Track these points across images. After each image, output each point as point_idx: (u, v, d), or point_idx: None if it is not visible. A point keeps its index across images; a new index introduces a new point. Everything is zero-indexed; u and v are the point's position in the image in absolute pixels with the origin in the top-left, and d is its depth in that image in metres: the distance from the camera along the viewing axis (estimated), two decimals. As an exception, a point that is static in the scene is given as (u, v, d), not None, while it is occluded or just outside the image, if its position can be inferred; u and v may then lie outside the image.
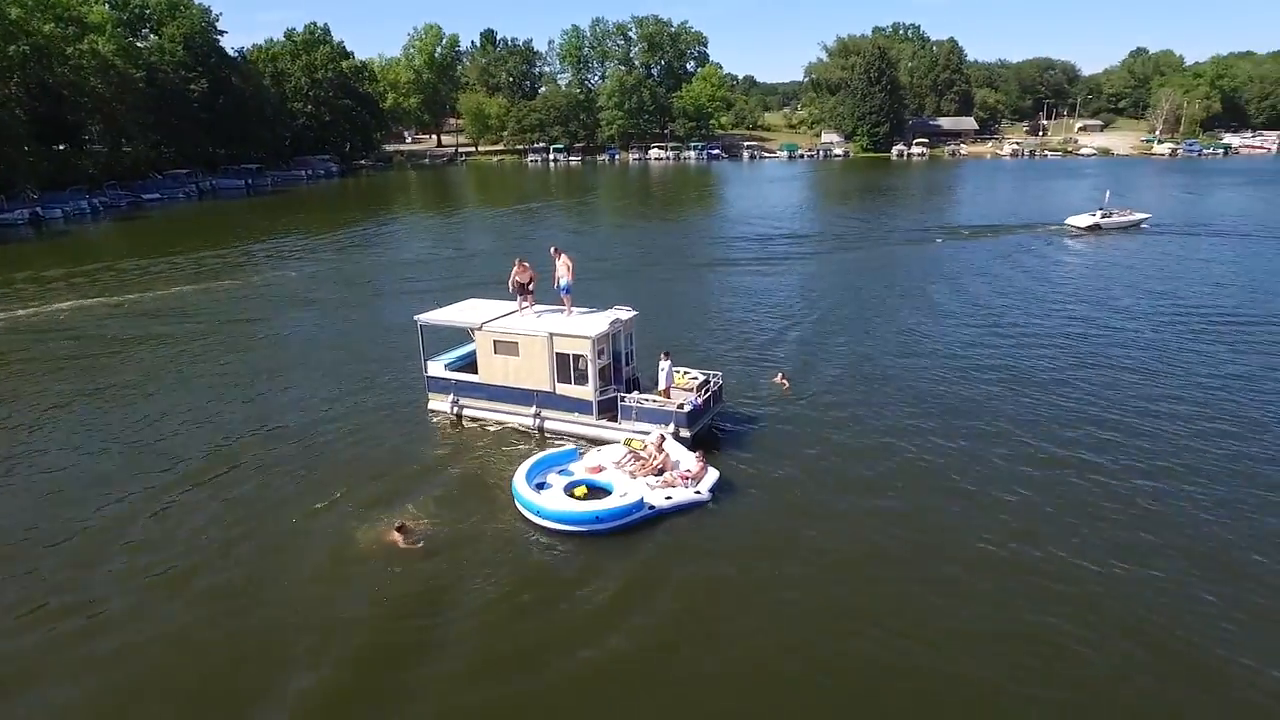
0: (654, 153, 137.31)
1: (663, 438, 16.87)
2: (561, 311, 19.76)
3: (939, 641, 11.43)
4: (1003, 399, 21.06)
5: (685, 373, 19.53)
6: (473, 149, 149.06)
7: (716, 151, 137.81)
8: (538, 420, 19.16)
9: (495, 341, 19.16)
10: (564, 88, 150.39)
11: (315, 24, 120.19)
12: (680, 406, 17.95)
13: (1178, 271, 37.88)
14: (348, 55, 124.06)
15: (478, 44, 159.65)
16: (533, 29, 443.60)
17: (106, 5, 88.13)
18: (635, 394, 18.65)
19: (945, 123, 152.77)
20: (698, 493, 15.47)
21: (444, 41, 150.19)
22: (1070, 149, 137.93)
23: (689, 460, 16.30)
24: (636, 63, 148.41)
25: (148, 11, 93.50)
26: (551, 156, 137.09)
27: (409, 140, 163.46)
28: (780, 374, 22.61)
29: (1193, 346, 25.45)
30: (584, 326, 18.60)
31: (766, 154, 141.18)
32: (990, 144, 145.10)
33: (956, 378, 22.84)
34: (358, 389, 22.54)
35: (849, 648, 11.45)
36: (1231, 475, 16.35)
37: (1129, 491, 15.72)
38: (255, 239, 53.37)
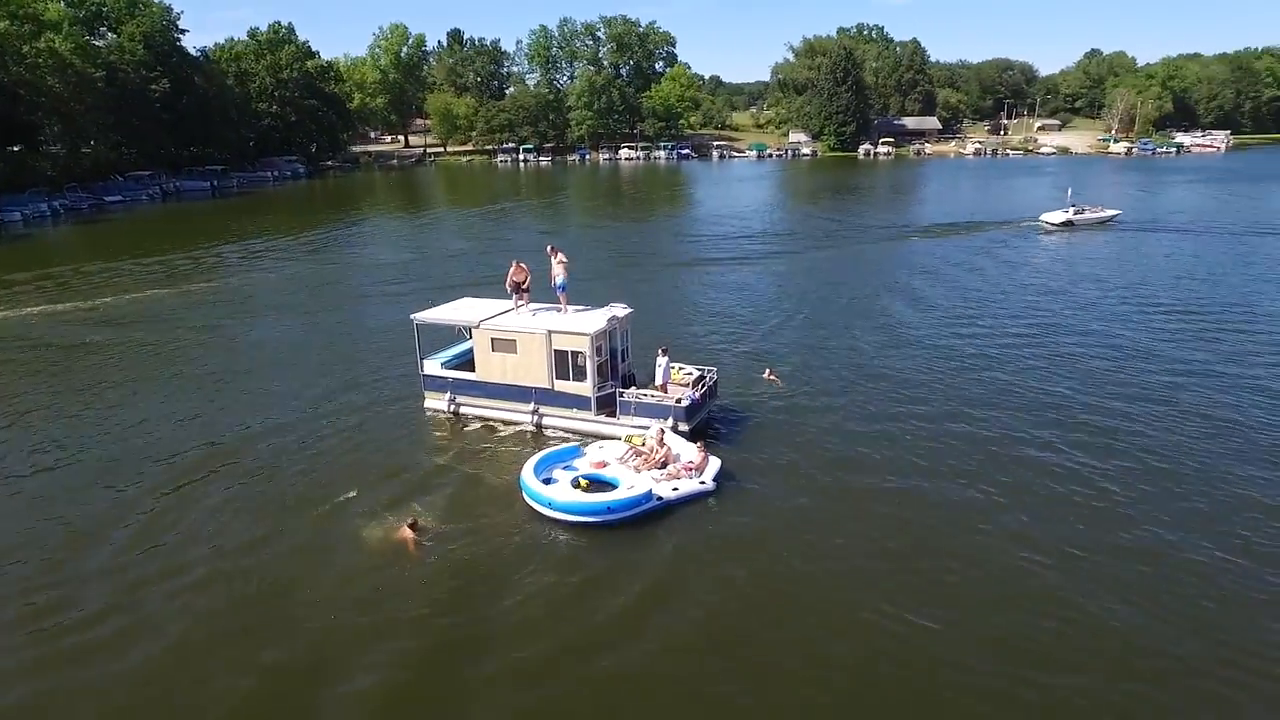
0: (624, 153, 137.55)
1: (663, 432, 17.18)
2: (557, 309, 19.98)
3: (947, 615, 11.92)
4: (987, 385, 21.73)
5: (680, 368, 19.85)
6: (441, 149, 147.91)
7: (686, 151, 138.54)
8: (536, 417, 19.34)
9: (493, 339, 19.30)
10: (533, 88, 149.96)
11: (279, 23, 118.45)
12: (678, 401, 18.28)
13: (1150, 265, 39.31)
14: (313, 55, 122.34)
15: (444, 44, 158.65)
16: (500, 29, 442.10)
17: (63, 2, 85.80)
18: (633, 389, 18.93)
19: (910, 122, 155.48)
20: (702, 483, 15.82)
21: (410, 41, 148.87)
22: (1031, 148, 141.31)
23: (690, 452, 16.62)
24: (605, 63, 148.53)
25: (105, 9, 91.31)
26: (521, 157, 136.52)
27: (374, 139, 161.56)
28: (769, 370, 23.05)
29: (1171, 332, 26.52)
30: (582, 324, 18.83)
31: (736, 154, 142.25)
32: (954, 143, 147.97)
33: (943, 368, 23.50)
34: (347, 390, 22.45)
35: (857, 620, 11.87)
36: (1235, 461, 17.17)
37: (1122, 473, 16.41)
38: (226, 241, 52.51)
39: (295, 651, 11.61)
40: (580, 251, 45.89)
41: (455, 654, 11.50)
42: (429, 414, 20.39)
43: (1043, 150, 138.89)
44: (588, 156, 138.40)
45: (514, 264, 20.38)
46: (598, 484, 15.89)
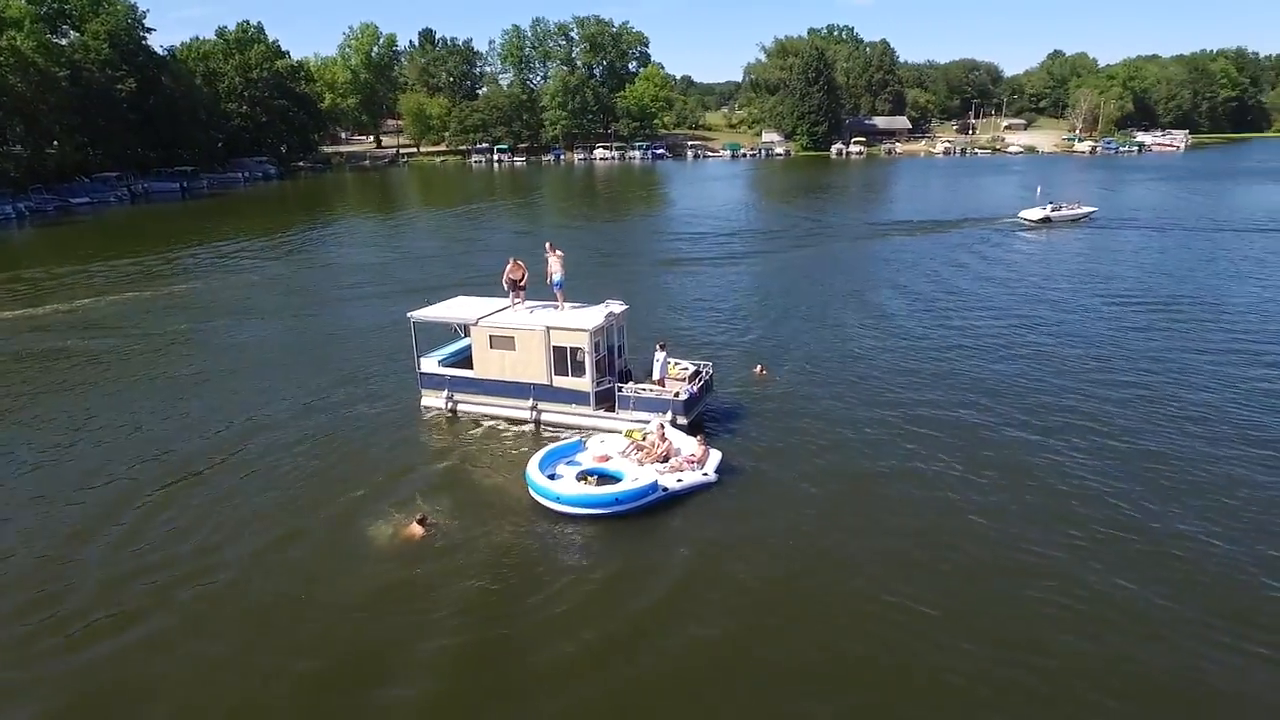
0: (599, 153, 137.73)
1: (664, 426, 17.45)
2: (554, 306, 20.17)
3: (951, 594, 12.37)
4: (973, 374, 22.33)
5: (676, 364, 20.15)
6: (414, 150, 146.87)
7: (661, 151, 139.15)
8: (534, 413, 19.51)
9: (491, 336, 19.43)
10: (506, 88, 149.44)
11: (248, 22, 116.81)
12: (677, 395, 18.57)
13: (1127, 259, 40.57)
14: (283, 54, 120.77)
15: (416, 43, 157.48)
16: (471, 29, 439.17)
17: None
18: (632, 384, 19.19)
19: (880, 122, 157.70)
20: (705, 474, 16.12)
21: (381, 41, 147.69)
22: (998, 147, 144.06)
23: (691, 445, 16.90)
24: (579, 63, 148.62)
25: (68, 7, 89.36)
26: (496, 157, 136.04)
27: (345, 139, 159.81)
28: (760, 365, 23.44)
29: (1147, 323, 27.42)
30: (581, 320, 19.05)
31: (710, 153, 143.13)
32: (924, 142, 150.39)
33: (930, 358, 24.10)
34: (340, 391, 22.35)
35: (863, 612, 12.25)
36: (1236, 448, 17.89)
37: (1114, 456, 17.03)
38: (200, 243, 51.77)
39: (331, 657, 11.41)
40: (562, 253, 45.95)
41: (494, 653, 11.36)
42: (426, 412, 20.46)
43: (1010, 149, 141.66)
44: (562, 157, 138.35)
45: (511, 261, 20.52)
46: (603, 478, 16.12)
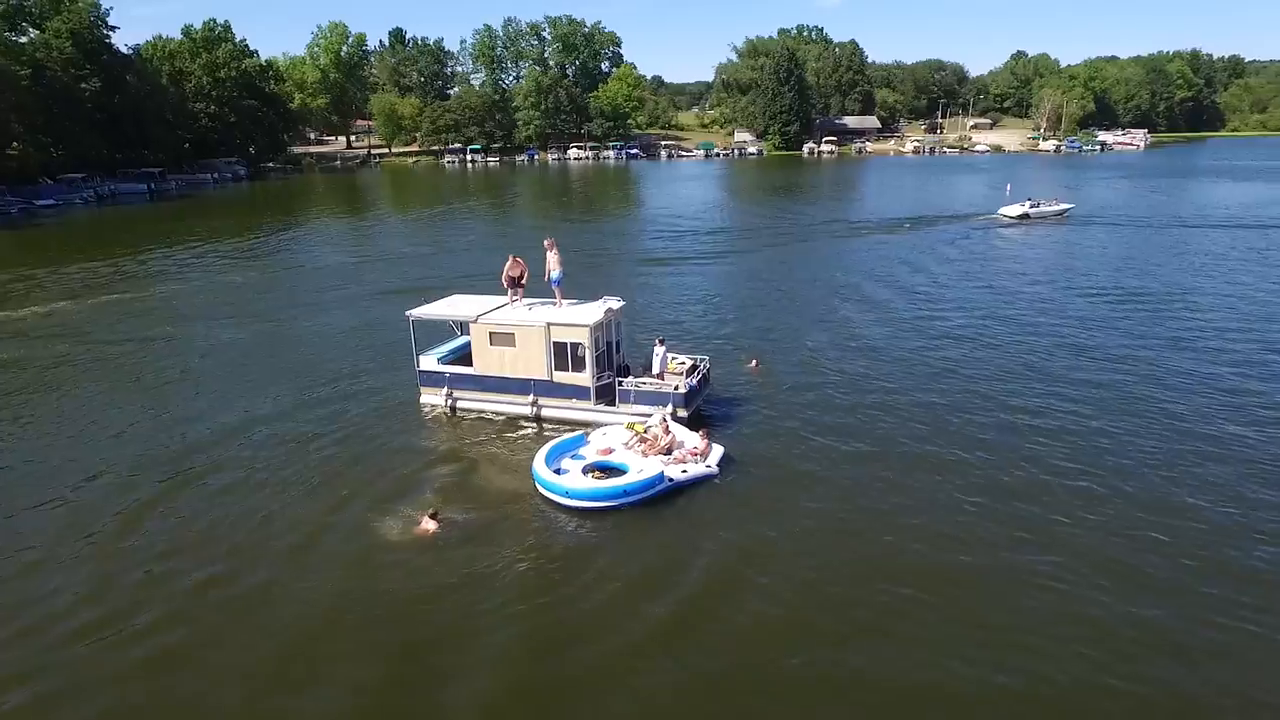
0: (573, 152, 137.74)
1: (666, 419, 17.74)
2: (551, 303, 20.36)
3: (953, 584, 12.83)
4: (960, 361, 22.95)
5: (673, 358, 20.45)
6: (386, 150, 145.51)
7: (635, 151, 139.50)
8: (535, 409, 19.67)
9: (491, 333, 19.56)
10: (478, 88, 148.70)
11: (215, 20, 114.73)
12: (676, 388, 18.88)
13: (1104, 254, 41.80)
14: (251, 54, 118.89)
15: (386, 43, 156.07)
16: (442, 29, 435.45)
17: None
18: (632, 378, 19.45)
19: (851, 121, 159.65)
20: (708, 467, 16.43)
21: (350, 40, 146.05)
22: (966, 146, 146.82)
23: (693, 439, 17.21)
24: (551, 63, 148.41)
25: (27, 4, 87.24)
26: (469, 157, 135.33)
27: (315, 140, 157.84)
28: (754, 360, 23.84)
29: (1129, 316, 28.33)
30: (581, 316, 19.26)
31: (684, 153, 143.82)
32: (893, 142, 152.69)
33: (917, 347, 24.71)
34: (336, 391, 22.27)
35: (862, 589, 12.67)
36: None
37: (1111, 444, 17.67)
38: (174, 244, 50.90)
39: (376, 660, 11.26)
40: (538, 252, 46.09)
41: (548, 647, 11.40)
42: (425, 409, 20.52)
43: (978, 148, 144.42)
44: (536, 157, 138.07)
45: (510, 259, 20.66)
46: (608, 470, 16.36)
